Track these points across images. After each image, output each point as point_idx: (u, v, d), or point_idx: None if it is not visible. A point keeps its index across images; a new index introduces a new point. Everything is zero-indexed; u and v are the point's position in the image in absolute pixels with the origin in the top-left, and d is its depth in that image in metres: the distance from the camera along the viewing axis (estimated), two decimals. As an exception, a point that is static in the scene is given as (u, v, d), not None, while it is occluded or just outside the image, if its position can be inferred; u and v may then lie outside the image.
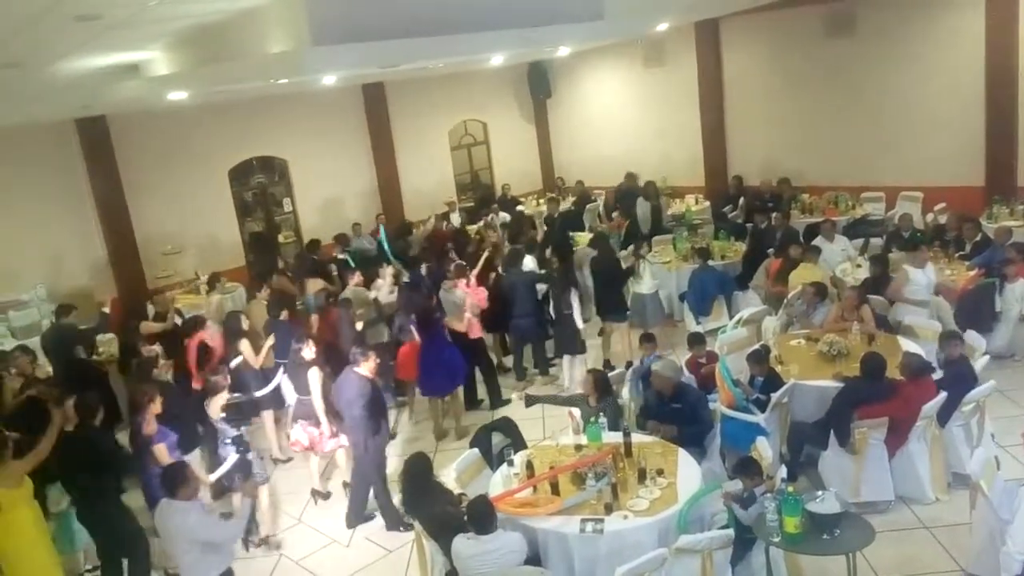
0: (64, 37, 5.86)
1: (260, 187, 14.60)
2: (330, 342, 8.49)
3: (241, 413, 6.74)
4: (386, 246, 11.51)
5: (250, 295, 9.75)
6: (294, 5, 5.56)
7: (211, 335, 8.35)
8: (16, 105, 8.70)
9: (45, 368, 8.77)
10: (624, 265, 9.84)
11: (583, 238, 12.08)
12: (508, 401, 9.07)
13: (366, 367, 6.68)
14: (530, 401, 7.12)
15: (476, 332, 9.00)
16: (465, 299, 9.01)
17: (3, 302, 10.59)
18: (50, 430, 5.85)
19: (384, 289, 9.83)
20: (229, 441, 6.43)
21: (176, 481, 4.95)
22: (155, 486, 6.08)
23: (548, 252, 10.82)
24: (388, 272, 10.12)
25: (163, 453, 6.10)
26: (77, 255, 12.00)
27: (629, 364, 7.75)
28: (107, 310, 10.97)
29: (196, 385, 7.75)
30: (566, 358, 9.00)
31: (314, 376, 7.10)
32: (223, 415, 6.49)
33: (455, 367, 8.43)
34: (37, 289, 10.93)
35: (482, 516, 4.87)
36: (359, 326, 8.81)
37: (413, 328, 8.60)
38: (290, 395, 7.78)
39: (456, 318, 8.90)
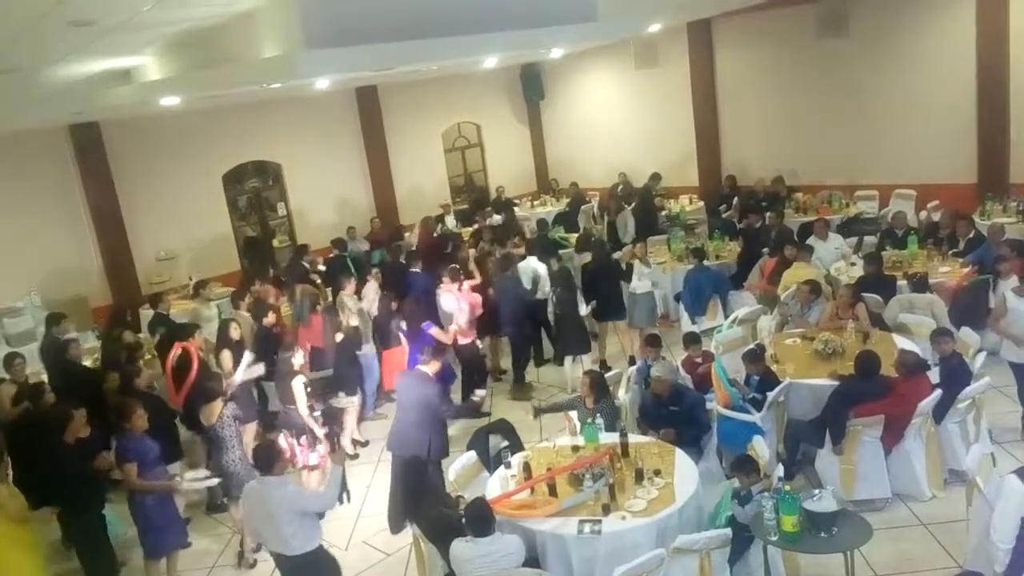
0: (58, 42, 5.86)
1: (254, 191, 14.60)
2: (313, 349, 8.30)
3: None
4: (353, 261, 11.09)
5: (234, 303, 9.50)
6: (286, 9, 5.55)
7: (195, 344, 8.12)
8: (9, 111, 8.68)
9: (40, 375, 8.71)
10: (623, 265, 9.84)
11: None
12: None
13: (432, 367, 6.67)
14: (538, 413, 7.12)
15: (463, 339, 8.82)
16: (455, 303, 8.85)
17: (-2, 310, 10.53)
18: None
19: (352, 305, 9.01)
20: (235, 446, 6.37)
21: (270, 459, 5.20)
22: (140, 504, 5.92)
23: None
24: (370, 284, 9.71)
25: (132, 472, 5.81)
26: (71, 262, 11.96)
27: (632, 360, 7.71)
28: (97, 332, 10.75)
29: (175, 404, 7.51)
30: (567, 359, 8.98)
31: (299, 385, 7.04)
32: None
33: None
34: (31, 296, 10.88)
35: (480, 519, 4.87)
36: (339, 337, 8.37)
37: (402, 334, 8.59)
38: (273, 404, 7.80)
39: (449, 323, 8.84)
